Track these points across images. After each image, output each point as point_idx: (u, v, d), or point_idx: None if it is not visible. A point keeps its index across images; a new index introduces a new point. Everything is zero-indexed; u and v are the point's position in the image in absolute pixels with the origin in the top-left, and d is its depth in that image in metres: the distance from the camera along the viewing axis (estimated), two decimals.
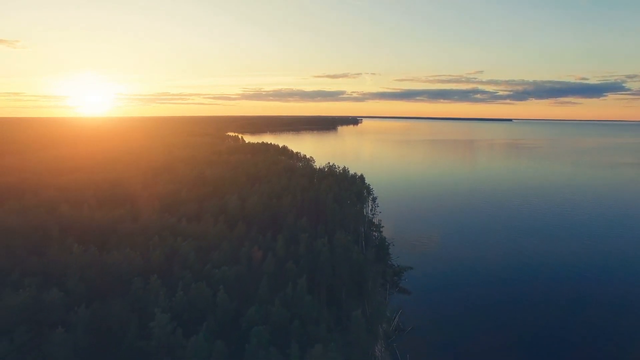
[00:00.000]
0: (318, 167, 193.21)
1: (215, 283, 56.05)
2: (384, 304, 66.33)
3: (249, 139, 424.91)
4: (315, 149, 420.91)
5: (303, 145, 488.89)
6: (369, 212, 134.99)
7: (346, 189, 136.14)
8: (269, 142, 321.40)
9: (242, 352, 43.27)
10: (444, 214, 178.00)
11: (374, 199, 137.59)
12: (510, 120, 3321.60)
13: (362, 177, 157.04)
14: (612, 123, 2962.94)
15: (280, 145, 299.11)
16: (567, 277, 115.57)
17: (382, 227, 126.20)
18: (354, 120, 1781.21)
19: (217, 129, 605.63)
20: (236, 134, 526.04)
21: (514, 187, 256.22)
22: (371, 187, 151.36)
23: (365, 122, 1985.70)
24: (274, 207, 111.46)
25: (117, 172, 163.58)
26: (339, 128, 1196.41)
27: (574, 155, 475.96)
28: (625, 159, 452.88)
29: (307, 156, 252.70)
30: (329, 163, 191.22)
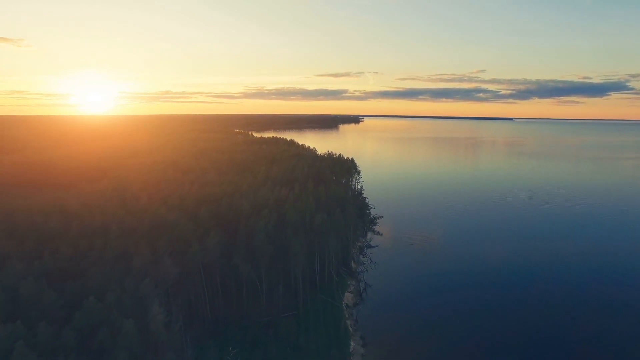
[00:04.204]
0: (320, 155, 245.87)
1: (266, 197, 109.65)
2: (356, 214, 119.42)
3: (256, 135, 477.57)
4: (317, 145, 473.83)
5: (306, 141, 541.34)
6: (355, 181, 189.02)
7: (340, 166, 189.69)
8: (277, 137, 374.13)
9: (284, 219, 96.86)
10: (416, 188, 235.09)
11: (359, 172, 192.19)
12: (511, 119, 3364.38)
13: (352, 160, 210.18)
14: (615, 122, 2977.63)
15: (288, 139, 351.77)
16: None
17: (364, 190, 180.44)
18: (355, 119, 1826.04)
19: (223, 127, 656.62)
20: (244, 131, 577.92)
21: (480, 176, 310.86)
22: (358, 166, 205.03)
23: (367, 120, 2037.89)
24: (289, 175, 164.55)
25: (167, 156, 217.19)
26: (341, 127, 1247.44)
27: (566, 154, 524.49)
28: (626, 157, 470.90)
29: (311, 147, 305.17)
30: (328, 151, 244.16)
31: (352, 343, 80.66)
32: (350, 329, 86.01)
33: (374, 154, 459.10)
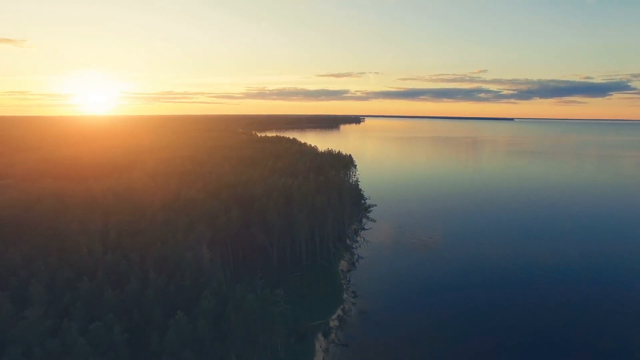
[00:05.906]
0: (320, 152, 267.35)
1: (274, 184, 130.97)
2: (352, 201, 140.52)
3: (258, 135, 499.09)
4: (318, 144, 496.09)
5: (307, 140, 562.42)
6: (352, 174, 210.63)
7: (339, 161, 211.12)
8: (279, 136, 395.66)
9: (290, 200, 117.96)
10: (412, 184, 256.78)
11: (355, 167, 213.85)
12: (512, 119, 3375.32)
13: (350, 156, 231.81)
14: (617, 122, 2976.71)
15: (290, 138, 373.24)
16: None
17: (360, 182, 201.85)
18: (356, 119, 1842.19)
19: (225, 127, 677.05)
20: (247, 131, 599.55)
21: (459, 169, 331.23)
22: (355, 162, 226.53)
23: (368, 120, 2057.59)
24: (293, 168, 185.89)
25: (181, 152, 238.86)
26: (341, 127, 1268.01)
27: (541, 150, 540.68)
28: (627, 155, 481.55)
29: (313, 145, 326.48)
30: (328, 148, 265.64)
31: (345, 295, 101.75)
32: (344, 286, 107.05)
33: (373, 152, 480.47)
